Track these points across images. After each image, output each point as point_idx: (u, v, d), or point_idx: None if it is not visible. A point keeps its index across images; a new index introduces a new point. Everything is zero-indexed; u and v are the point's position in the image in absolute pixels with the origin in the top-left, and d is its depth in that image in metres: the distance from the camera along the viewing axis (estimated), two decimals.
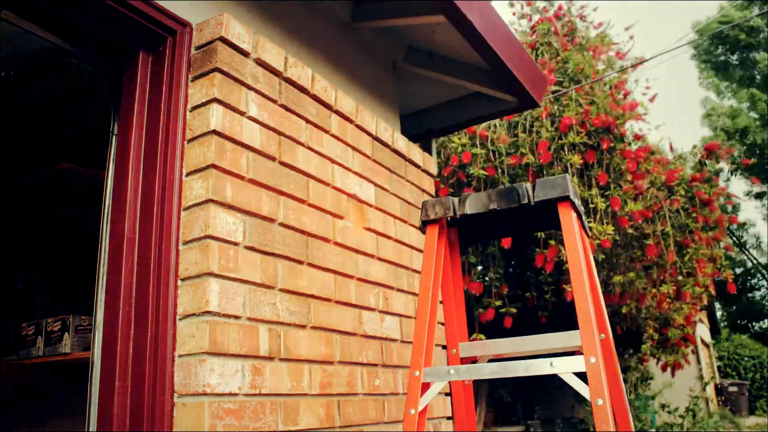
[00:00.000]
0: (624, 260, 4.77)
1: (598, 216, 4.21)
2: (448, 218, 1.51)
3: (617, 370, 1.47)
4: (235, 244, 1.61)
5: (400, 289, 2.33)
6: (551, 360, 1.25)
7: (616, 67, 5.78)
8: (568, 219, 1.39)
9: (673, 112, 51.99)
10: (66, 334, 2.21)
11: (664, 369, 5.43)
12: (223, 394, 1.47)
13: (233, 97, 1.71)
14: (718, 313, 17.91)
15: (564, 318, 6.11)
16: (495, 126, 4.87)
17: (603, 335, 1.45)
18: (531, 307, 5.36)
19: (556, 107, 4.79)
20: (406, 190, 2.54)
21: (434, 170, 2.87)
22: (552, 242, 4.15)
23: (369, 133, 2.35)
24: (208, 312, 1.50)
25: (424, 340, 1.41)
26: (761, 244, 18.50)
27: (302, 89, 2.00)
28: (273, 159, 1.81)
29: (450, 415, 2.49)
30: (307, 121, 2.00)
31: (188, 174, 1.65)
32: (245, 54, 1.78)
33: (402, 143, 2.58)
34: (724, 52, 14.88)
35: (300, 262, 1.84)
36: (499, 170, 4.56)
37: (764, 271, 17.91)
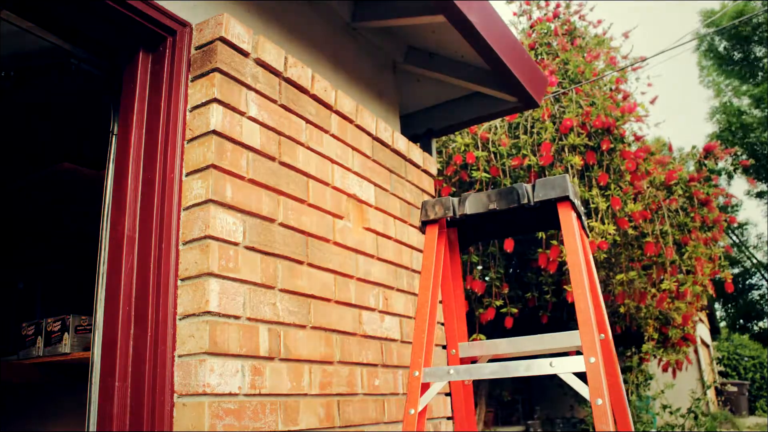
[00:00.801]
0: (624, 260, 4.77)
1: (599, 216, 4.21)
2: (448, 218, 1.51)
3: (617, 370, 1.47)
4: (235, 244, 1.61)
5: (400, 289, 2.33)
6: (551, 360, 1.25)
7: (616, 68, 5.79)
8: (568, 219, 1.39)
9: (679, 108, 51.99)
10: (66, 334, 2.21)
11: (665, 369, 5.43)
12: (223, 394, 1.47)
13: (233, 97, 1.71)
14: (718, 313, 17.92)
15: (564, 318, 6.11)
16: (496, 127, 4.87)
17: (603, 335, 1.45)
18: (532, 308, 5.36)
19: (556, 108, 4.80)
20: (406, 190, 2.54)
21: (434, 170, 2.87)
22: (554, 242, 4.16)
23: (369, 133, 2.35)
24: (208, 312, 1.50)
25: (424, 340, 1.41)
26: (762, 243, 18.51)
27: (302, 89, 2.00)
28: (273, 159, 1.82)
29: (450, 415, 2.49)
30: (307, 121, 2.00)
31: (188, 174, 1.65)
32: (245, 54, 1.78)
33: (402, 143, 2.58)
34: (729, 47, 14.84)
35: (300, 262, 1.84)
36: (501, 172, 4.56)
37: (764, 271, 17.92)
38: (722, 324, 18.60)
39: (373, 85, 2.85)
